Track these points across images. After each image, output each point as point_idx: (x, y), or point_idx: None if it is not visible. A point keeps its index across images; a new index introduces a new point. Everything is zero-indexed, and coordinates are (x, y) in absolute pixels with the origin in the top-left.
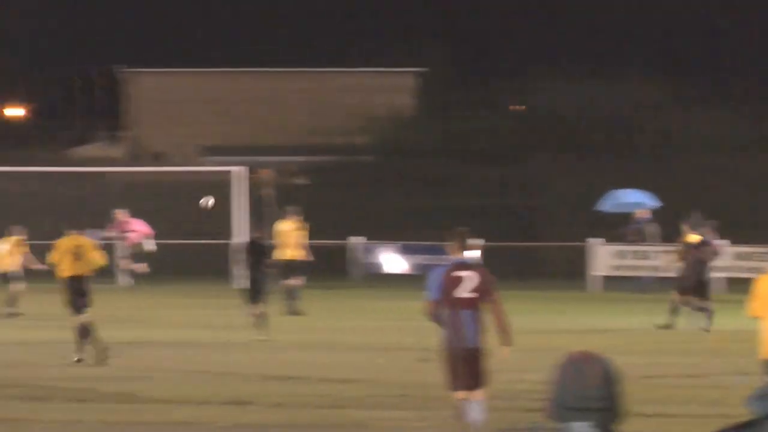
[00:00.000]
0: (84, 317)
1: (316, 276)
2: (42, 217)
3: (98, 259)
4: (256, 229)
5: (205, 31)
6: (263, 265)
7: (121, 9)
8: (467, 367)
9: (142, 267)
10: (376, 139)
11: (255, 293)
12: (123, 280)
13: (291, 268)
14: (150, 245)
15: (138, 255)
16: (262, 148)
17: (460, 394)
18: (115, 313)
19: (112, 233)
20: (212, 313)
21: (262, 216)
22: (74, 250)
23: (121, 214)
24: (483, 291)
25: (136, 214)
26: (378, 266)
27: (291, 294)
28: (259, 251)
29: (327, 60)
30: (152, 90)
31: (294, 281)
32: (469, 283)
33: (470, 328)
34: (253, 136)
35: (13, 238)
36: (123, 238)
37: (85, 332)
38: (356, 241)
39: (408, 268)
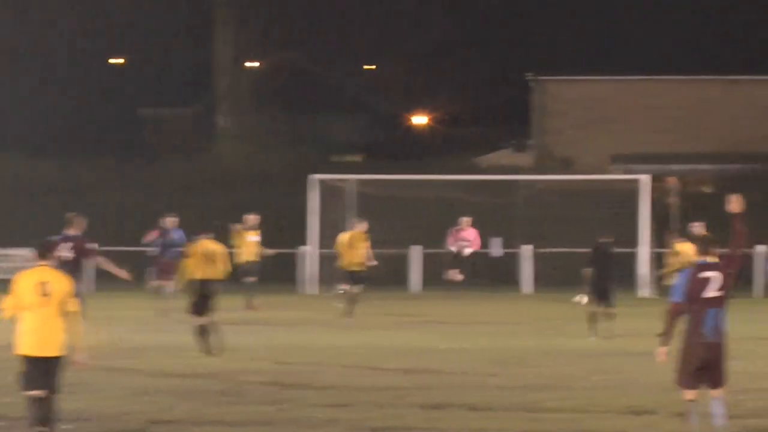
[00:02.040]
0: None
1: None
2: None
3: None
4: (605, 234)
5: (613, 37)
6: (610, 269)
7: (531, 17)
8: None
9: (455, 274)
10: None
11: (599, 295)
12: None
13: None
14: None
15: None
16: (670, 155)
17: None
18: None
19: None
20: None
21: (669, 225)
22: None
23: (465, 222)
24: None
25: (543, 221)
26: None
27: None
28: (605, 255)
29: (742, 66)
30: (560, 97)
31: None
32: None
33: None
34: (661, 143)
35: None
36: (460, 247)
37: None
38: (760, 250)
39: None
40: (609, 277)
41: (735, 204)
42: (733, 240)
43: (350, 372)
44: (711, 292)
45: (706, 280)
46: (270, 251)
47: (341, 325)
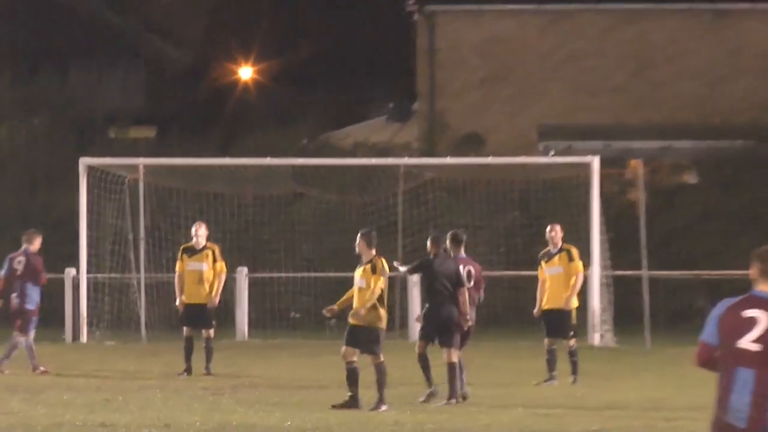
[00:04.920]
0: None
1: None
2: None
3: None
4: (435, 244)
5: None
6: (443, 295)
7: None
8: None
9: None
10: None
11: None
12: None
13: None
14: None
15: None
16: (629, 128)
17: None
18: None
19: None
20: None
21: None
22: None
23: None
24: None
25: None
26: None
27: None
28: (433, 272)
29: None
30: (460, 39)
31: None
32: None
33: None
34: (610, 109)
35: None
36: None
37: None
38: None
39: None
40: (442, 306)
41: None
42: None
43: None
44: (750, 342)
45: (750, 321)
46: None
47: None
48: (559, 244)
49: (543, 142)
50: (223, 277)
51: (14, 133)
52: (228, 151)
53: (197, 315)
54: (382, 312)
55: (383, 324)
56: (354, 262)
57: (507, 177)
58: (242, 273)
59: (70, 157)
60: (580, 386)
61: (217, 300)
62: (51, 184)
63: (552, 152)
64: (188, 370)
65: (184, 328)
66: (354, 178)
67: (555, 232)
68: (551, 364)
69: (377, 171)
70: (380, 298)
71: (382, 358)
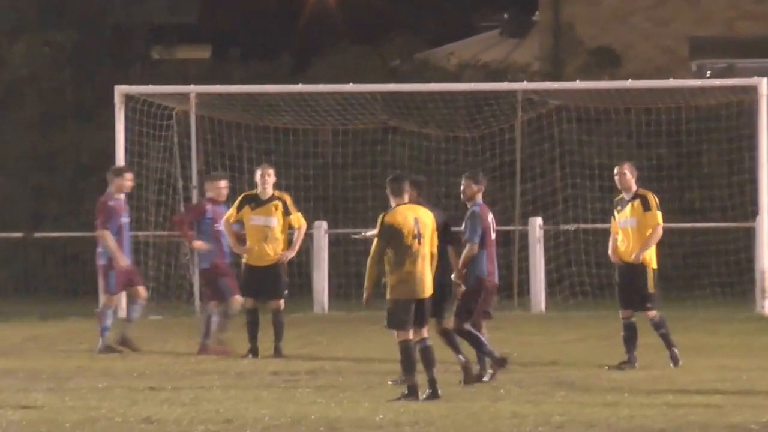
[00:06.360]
0: None
1: None
2: None
3: None
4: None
5: None
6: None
7: None
8: None
9: None
10: None
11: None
12: None
13: None
14: None
15: None
16: None
17: None
18: None
19: None
20: None
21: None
22: None
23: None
24: None
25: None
26: None
27: None
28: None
29: None
30: None
31: None
32: None
33: None
34: None
35: None
36: None
37: None
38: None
39: None
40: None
41: None
42: None
43: None
44: None
45: None
46: None
47: None
48: (633, 188)
49: (696, 60)
50: (304, 230)
51: (34, 52)
52: (301, 76)
53: (263, 282)
54: (393, 279)
55: (398, 293)
56: (460, 211)
57: (651, 104)
58: (320, 229)
59: (104, 83)
60: (747, 368)
61: (290, 256)
62: (80, 117)
63: (708, 73)
64: (253, 351)
65: (246, 299)
66: (460, 108)
67: (620, 175)
68: (628, 342)
69: (489, 98)
70: (394, 261)
71: (401, 336)
